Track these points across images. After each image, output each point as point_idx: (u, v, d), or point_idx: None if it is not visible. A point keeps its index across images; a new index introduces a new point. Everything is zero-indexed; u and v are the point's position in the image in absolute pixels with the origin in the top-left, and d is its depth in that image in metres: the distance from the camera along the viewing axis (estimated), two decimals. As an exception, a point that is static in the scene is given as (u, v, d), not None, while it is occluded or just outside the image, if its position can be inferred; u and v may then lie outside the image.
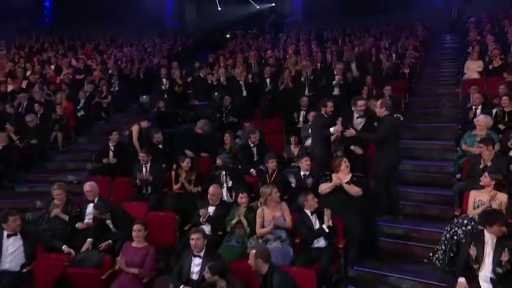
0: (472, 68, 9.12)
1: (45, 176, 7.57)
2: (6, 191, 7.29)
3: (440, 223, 5.22)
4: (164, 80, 9.25)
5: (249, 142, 6.67)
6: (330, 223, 4.67)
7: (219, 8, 18.85)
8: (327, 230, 4.61)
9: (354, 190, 5.18)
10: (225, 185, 5.75)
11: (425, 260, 4.84)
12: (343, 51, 11.62)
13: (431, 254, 4.81)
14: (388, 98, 8.06)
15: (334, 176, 5.33)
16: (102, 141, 8.23)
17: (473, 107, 7.04)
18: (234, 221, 5.02)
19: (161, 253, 5.11)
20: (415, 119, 8.73)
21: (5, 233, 4.65)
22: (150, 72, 11.77)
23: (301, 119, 7.97)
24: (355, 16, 16.27)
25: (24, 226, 4.82)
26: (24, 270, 4.64)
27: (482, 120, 6.12)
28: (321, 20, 16.71)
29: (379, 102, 5.95)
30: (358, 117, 6.22)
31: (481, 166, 5.43)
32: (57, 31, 16.14)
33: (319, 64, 10.92)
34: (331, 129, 5.79)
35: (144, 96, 9.01)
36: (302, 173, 5.74)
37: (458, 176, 5.96)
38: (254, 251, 3.86)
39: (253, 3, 18.67)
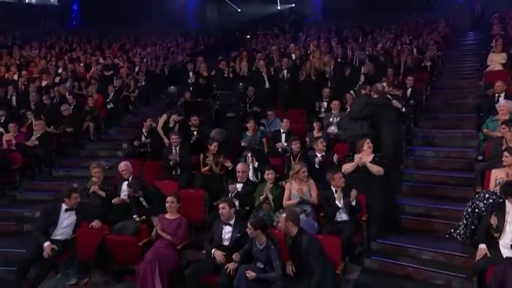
0: (496, 60, 9.21)
1: (79, 162, 8.03)
2: (45, 174, 7.80)
3: (461, 203, 5.32)
4: (191, 74, 9.72)
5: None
6: (354, 203, 4.91)
7: (239, 10, 19.33)
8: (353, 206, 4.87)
9: (376, 169, 5.39)
10: (251, 165, 6.05)
11: (447, 236, 5.00)
12: (363, 48, 11.89)
13: (452, 230, 4.96)
14: (409, 88, 8.46)
15: (356, 156, 5.58)
16: (130, 131, 8.76)
17: (496, 95, 7.20)
18: (262, 197, 5.32)
19: (191, 229, 5.43)
20: (436, 110, 8.89)
21: (63, 208, 5.08)
22: (174, 68, 12.34)
23: (322, 109, 8.27)
24: (374, 14, 16.42)
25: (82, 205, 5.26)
26: (69, 238, 5.06)
27: (503, 105, 6.28)
28: (341, 19, 16.93)
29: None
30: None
31: (503, 147, 5.59)
32: (84, 33, 16.84)
33: (339, 59, 11.31)
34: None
35: (172, 87, 9.44)
36: (319, 155, 5.98)
37: (480, 157, 6.11)
38: (285, 215, 4.13)
39: (273, 4, 19.03)
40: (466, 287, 4.41)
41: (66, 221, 5.09)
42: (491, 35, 11.16)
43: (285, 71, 9.12)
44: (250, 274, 4.04)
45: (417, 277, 4.74)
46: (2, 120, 8.22)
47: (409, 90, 8.40)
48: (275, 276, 4.06)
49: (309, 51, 11.81)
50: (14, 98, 9.54)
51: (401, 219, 5.60)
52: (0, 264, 5.49)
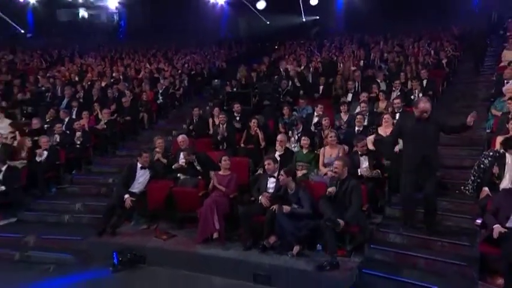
0: (509, 57, 9.77)
1: (137, 144, 9.11)
2: (110, 154, 8.96)
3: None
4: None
5: (322, 122, 7.15)
6: (374, 173, 5.59)
7: (268, 22, 20.43)
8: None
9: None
10: (296, 136, 6.88)
11: (457, 191, 5.70)
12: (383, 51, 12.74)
13: (462, 187, 5.66)
14: (425, 80, 9.16)
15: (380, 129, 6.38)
16: (176, 121, 9.81)
17: (505, 81, 7.81)
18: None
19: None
20: (450, 100, 9.46)
21: (139, 166, 6.10)
22: (212, 71, 13.51)
23: (349, 98, 9.07)
24: (394, 23, 17.07)
25: (152, 164, 6.27)
26: (142, 191, 6.04)
27: (508, 88, 6.94)
28: (362, 28, 17.67)
29: None
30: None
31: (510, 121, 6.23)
32: (130, 44, 18.34)
33: (362, 61, 12.19)
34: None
35: (216, 80, 10.49)
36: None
37: (488, 130, 6.75)
38: (342, 162, 4.94)
39: (298, 16, 20.04)
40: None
41: (142, 178, 6.08)
42: (506, 36, 11.74)
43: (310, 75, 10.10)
44: (286, 208, 4.90)
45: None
46: (75, 111, 9.48)
47: (425, 81, 9.11)
48: (305, 211, 4.92)
49: (342, 60, 12.51)
50: (81, 94, 10.83)
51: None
52: (88, 213, 6.66)
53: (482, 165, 5.37)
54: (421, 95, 8.14)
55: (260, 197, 5.35)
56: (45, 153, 7.41)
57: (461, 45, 13.00)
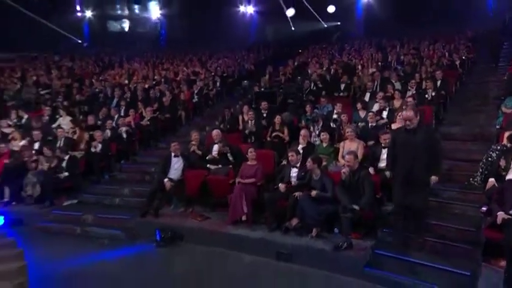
0: (521, 56, 9.44)
1: (175, 139, 9.31)
2: (153, 146, 9.26)
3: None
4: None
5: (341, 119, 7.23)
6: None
7: (293, 28, 20.39)
8: None
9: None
10: (317, 131, 6.96)
11: (466, 183, 5.61)
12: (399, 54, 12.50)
13: (471, 179, 5.57)
14: (439, 80, 8.94)
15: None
16: (210, 119, 10.04)
17: (516, 80, 7.57)
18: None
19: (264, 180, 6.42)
20: (463, 99, 9.19)
21: (173, 155, 6.40)
22: (241, 73, 13.66)
23: (367, 98, 8.99)
24: (410, 28, 16.64)
25: (183, 152, 6.58)
26: (179, 179, 6.30)
27: (518, 86, 6.71)
28: (381, 33, 17.33)
29: None
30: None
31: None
32: (170, 50, 18.80)
33: (380, 63, 12.00)
34: None
35: (245, 81, 10.65)
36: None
37: (497, 127, 6.57)
38: (353, 155, 4.98)
39: (321, 22, 19.90)
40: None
41: (176, 165, 6.36)
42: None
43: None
44: (313, 192, 4.98)
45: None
46: (123, 109, 9.90)
47: (439, 82, 8.90)
48: (329, 195, 5.00)
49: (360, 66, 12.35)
50: (128, 95, 11.27)
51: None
52: (135, 197, 7.01)
53: (490, 158, 5.29)
54: (433, 94, 8.00)
55: (280, 184, 5.50)
56: (99, 145, 7.83)
57: (474, 47, 12.56)
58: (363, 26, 19.59)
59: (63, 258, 5.03)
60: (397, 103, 7.88)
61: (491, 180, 4.72)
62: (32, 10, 15.55)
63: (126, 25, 20.60)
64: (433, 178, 4.37)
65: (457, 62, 10.55)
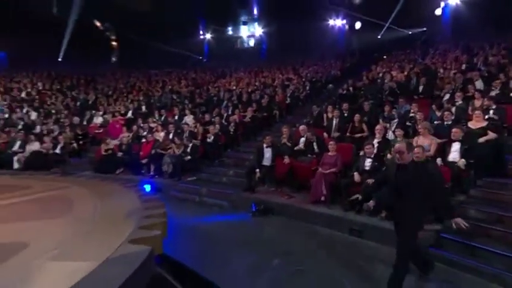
0: None
1: (271, 133, 9.85)
2: (252, 139, 9.83)
3: None
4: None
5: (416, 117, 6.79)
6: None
7: (379, 36, 19.23)
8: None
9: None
10: (393, 128, 6.74)
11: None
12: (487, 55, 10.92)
13: None
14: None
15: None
16: (301, 117, 10.31)
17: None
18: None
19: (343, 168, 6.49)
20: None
21: (265, 145, 6.94)
22: (328, 78, 13.58)
23: (446, 97, 8.22)
24: (501, 30, 14.21)
25: (274, 143, 7.08)
26: (271, 165, 6.79)
27: None
28: (469, 36, 15.25)
29: None
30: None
31: None
32: (268, 61, 19.65)
33: (464, 65, 10.71)
34: None
35: (331, 85, 10.67)
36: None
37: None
38: (421, 149, 4.79)
39: (407, 29, 18.35)
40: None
41: (267, 154, 6.85)
42: None
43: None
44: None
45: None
46: (230, 109, 10.88)
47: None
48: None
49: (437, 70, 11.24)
50: (235, 97, 12.27)
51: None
52: (237, 177, 7.73)
53: None
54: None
55: (355, 174, 5.54)
56: (212, 137, 8.86)
57: None
58: (450, 29, 17.42)
59: (186, 218, 5.92)
60: (477, 103, 7.07)
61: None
62: (168, 43, 19.49)
63: (235, 43, 22.39)
64: (458, 220, 3.25)
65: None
